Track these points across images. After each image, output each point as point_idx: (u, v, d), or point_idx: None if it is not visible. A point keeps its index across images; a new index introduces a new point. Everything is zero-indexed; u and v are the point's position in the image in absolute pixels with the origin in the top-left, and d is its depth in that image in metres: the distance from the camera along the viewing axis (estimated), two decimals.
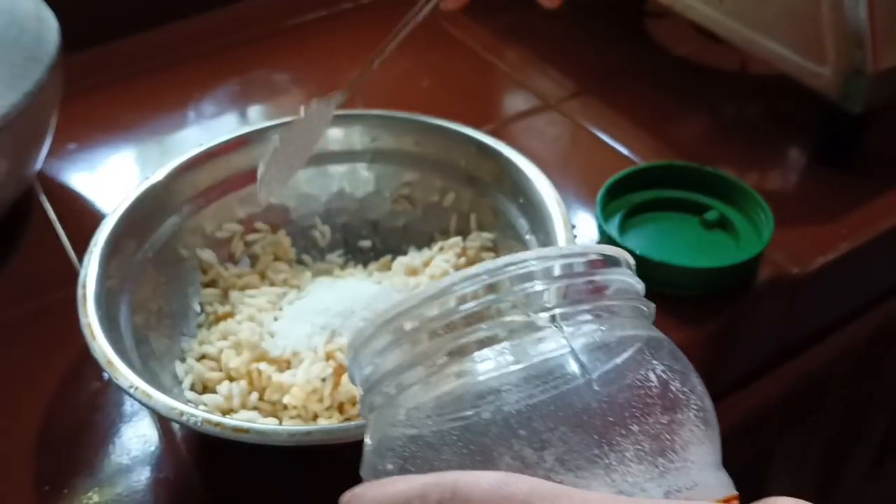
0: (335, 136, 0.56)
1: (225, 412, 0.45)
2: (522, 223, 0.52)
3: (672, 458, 0.24)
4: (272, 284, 0.53)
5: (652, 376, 0.25)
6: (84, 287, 0.45)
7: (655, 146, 0.67)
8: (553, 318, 0.25)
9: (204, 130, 0.71)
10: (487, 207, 0.54)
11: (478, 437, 0.24)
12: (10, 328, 0.55)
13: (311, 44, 0.81)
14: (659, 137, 0.68)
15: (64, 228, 0.62)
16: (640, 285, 0.28)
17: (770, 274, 0.56)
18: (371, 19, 0.82)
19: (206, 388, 0.47)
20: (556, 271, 0.26)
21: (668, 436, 0.24)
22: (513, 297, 0.26)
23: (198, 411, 0.39)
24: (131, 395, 0.40)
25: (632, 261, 0.28)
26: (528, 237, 0.51)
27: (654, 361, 0.25)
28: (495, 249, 0.54)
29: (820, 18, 0.58)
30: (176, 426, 0.49)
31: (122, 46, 0.79)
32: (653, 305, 0.28)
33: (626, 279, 0.27)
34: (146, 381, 0.41)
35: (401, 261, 0.53)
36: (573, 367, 0.25)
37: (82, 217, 0.62)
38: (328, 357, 0.46)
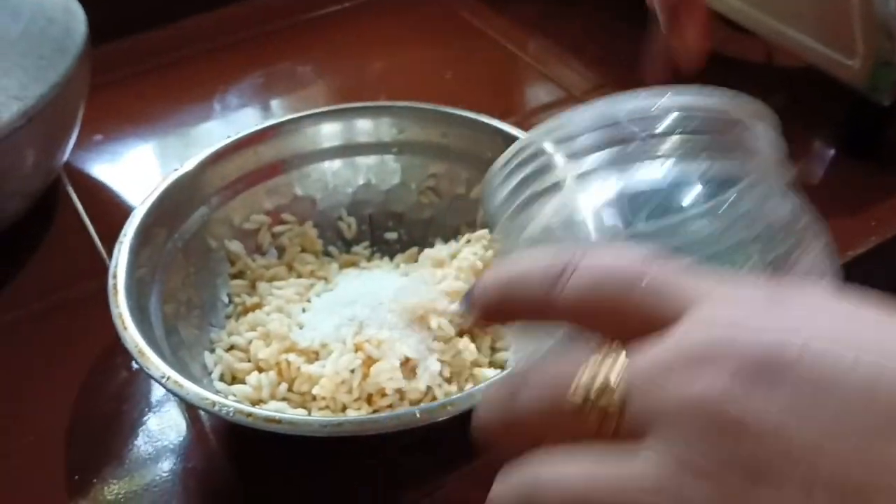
0: (363, 128, 0.56)
1: (254, 402, 0.46)
2: None
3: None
4: (299, 276, 0.53)
5: (771, 203, 0.29)
6: (115, 277, 0.45)
7: None
8: (675, 154, 0.29)
9: (228, 123, 0.71)
10: None
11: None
12: (37, 319, 0.55)
13: (335, 36, 0.81)
14: None
15: (90, 219, 0.62)
16: (776, 145, 0.31)
17: None
18: (393, 10, 0.82)
19: (234, 378, 0.48)
20: (685, 115, 0.29)
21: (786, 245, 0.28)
22: (639, 129, 0.29)
23: (229, 402, 0.40)
24: (163, 385, 0.40)
25: (771, 121, 0.32)
26: None
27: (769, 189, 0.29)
28: None
29: (849, 10, 0.57)
30: (204, 416, 0.49)
31: (147, 38, 0.79)
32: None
33: (760, 137, 0.31)
34: (176, 371, 0.41)
35: (427, 253, 0.53)
36: (691, 194, 0.28)
37: (108, 208, 0.63)
38: (357, 348, 0.46)
